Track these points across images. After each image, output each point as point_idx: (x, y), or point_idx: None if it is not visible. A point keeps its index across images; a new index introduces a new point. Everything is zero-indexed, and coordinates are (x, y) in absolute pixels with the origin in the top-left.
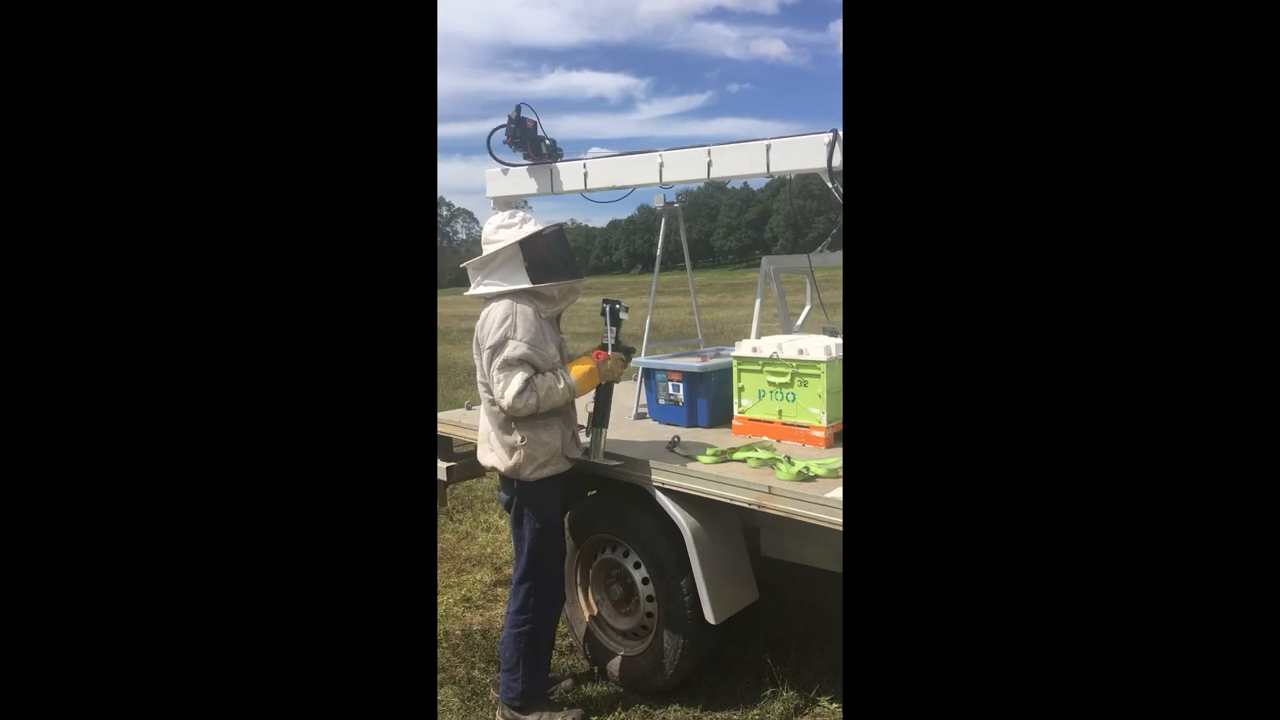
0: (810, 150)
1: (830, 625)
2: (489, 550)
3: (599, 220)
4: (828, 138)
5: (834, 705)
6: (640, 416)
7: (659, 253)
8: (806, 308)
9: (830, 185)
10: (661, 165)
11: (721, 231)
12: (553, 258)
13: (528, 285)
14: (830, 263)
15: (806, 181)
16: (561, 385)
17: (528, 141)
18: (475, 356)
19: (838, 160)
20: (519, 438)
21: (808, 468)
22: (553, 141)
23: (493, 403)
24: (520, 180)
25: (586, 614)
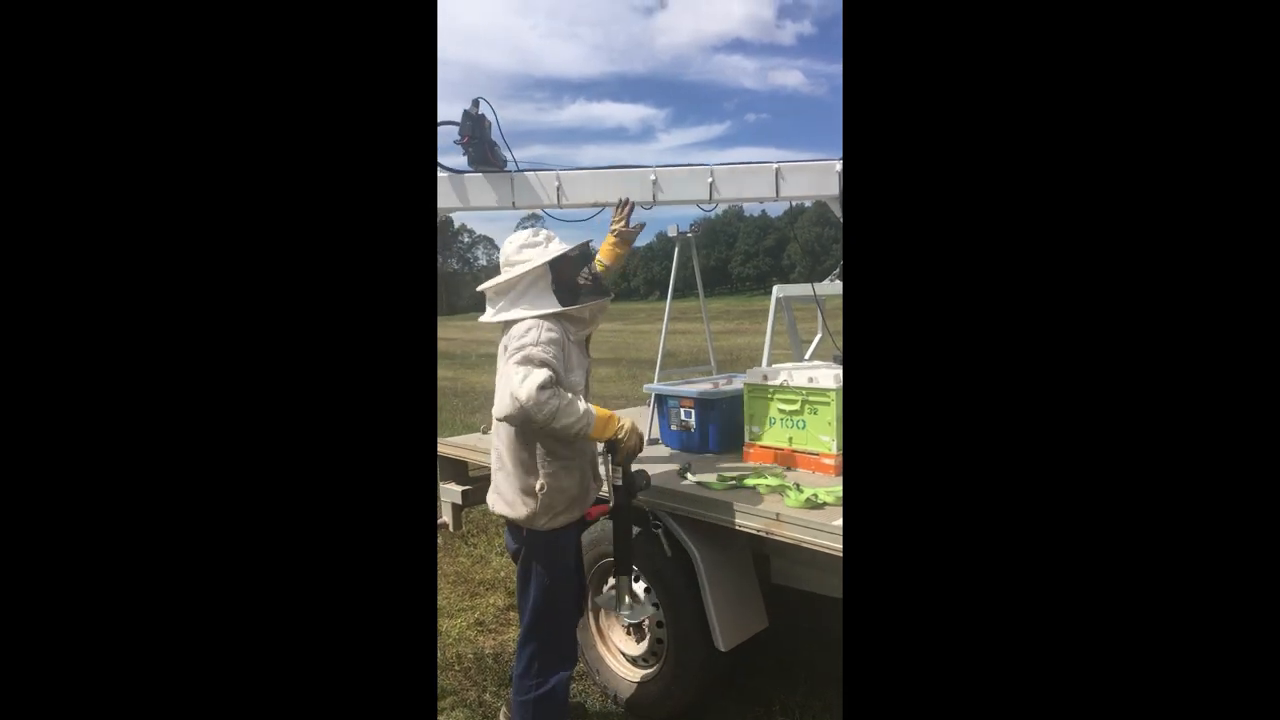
0: (819, 177)
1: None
2: (502, 574)
3: None
4: (838, 165)
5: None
6: (653, 442)
7: (672, 280)
8: (818, 335)
9: (838, 215)
10: (655, 182)
11: (739, 259)
12: (581, 278)
13: (558, 309)
14: (834, 292)
15: (824, 209)
16: (583, 408)
17: (484, 145)
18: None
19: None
20: (539, 484)
21: (816, 495)
22: (508, 148)
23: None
24: (476, 190)
25: (597, 639)
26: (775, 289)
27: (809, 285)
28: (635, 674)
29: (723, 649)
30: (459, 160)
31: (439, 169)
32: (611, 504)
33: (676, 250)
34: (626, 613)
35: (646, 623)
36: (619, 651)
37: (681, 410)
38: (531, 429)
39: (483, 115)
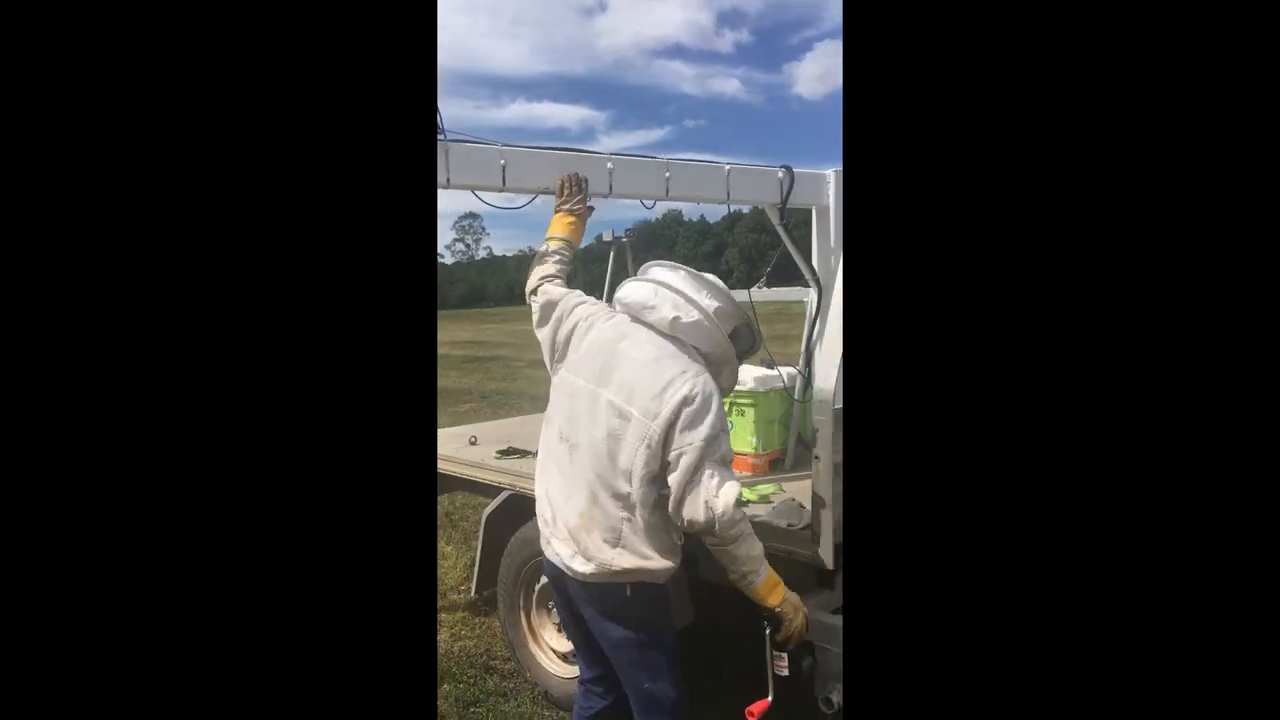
0: (765, 183)
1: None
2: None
3: None
4: (780, 173)
5: None
6: None
7: (606, 287)
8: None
9: (777, 223)
10: (611, 172)
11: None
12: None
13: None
14: (774, 298)
15: (762, 216)
16: (761, 548)
17: None
18: (611, 418)
19: (795, 198)
20: (679, 539)
21: (741, 494)
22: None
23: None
24: None
25: (528, 637)
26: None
27: (739, 293)
28: (568, 670)
29: None
30: None
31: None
32: (772, 697)
33: (611, 257)
34: None
35: None
36: (550, 650)
37: None
38: (701, 536)
39: None
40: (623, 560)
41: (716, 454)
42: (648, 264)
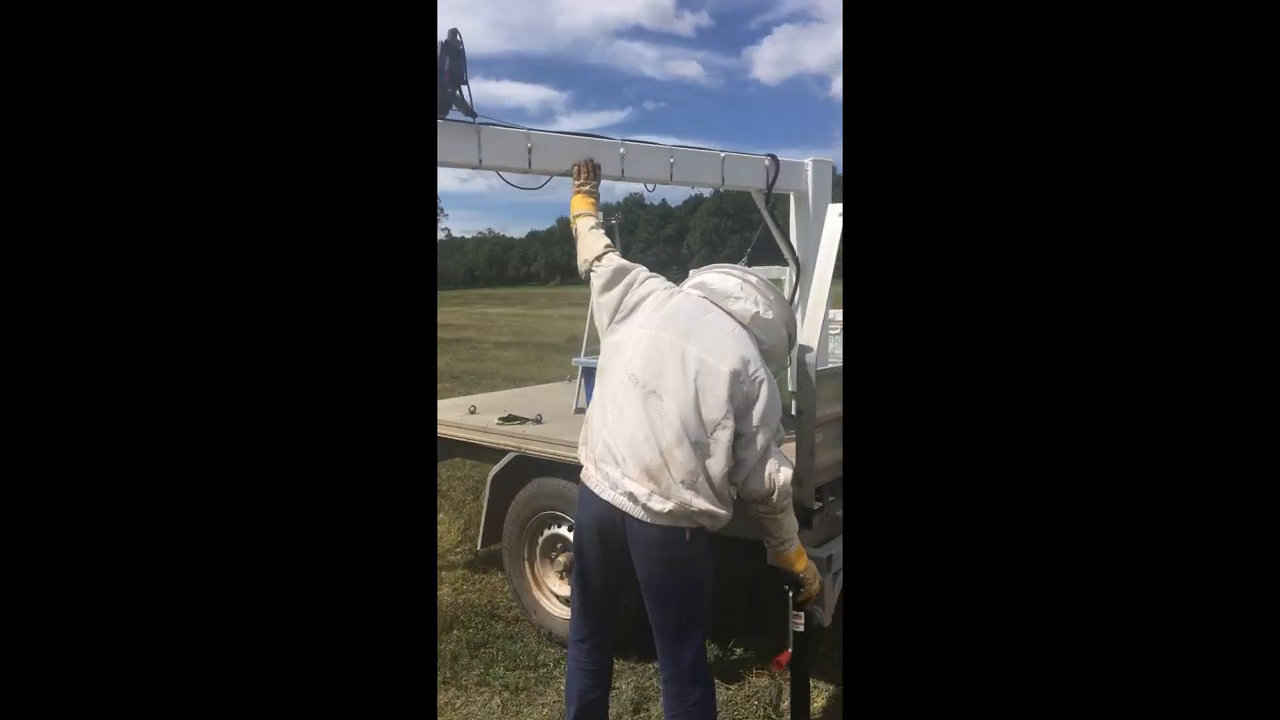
0: (754, 170)
1: (740, 586)
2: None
3: (517, 230)
4: (766, 161)
5: (743, 651)
6: (580, 411)
7: None
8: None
9: (762, 206)
10: (623, 157)
11: (640, 246)
12: None
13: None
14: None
15: (723, 201)
16: (794, 521)
17: (461, 87)
18: (700, 371)
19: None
20: (732, 493)
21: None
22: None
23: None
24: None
25: (532, 585)
26: (692, 274)
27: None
28: (568, 612)
29: None
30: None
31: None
32: (791, 649)
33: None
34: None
35: None
36: (552, 594)
37: None
38: (756, 501)
39: (462, 49)
40: (699, 503)
41: (779, 439)
42: (712, 265)
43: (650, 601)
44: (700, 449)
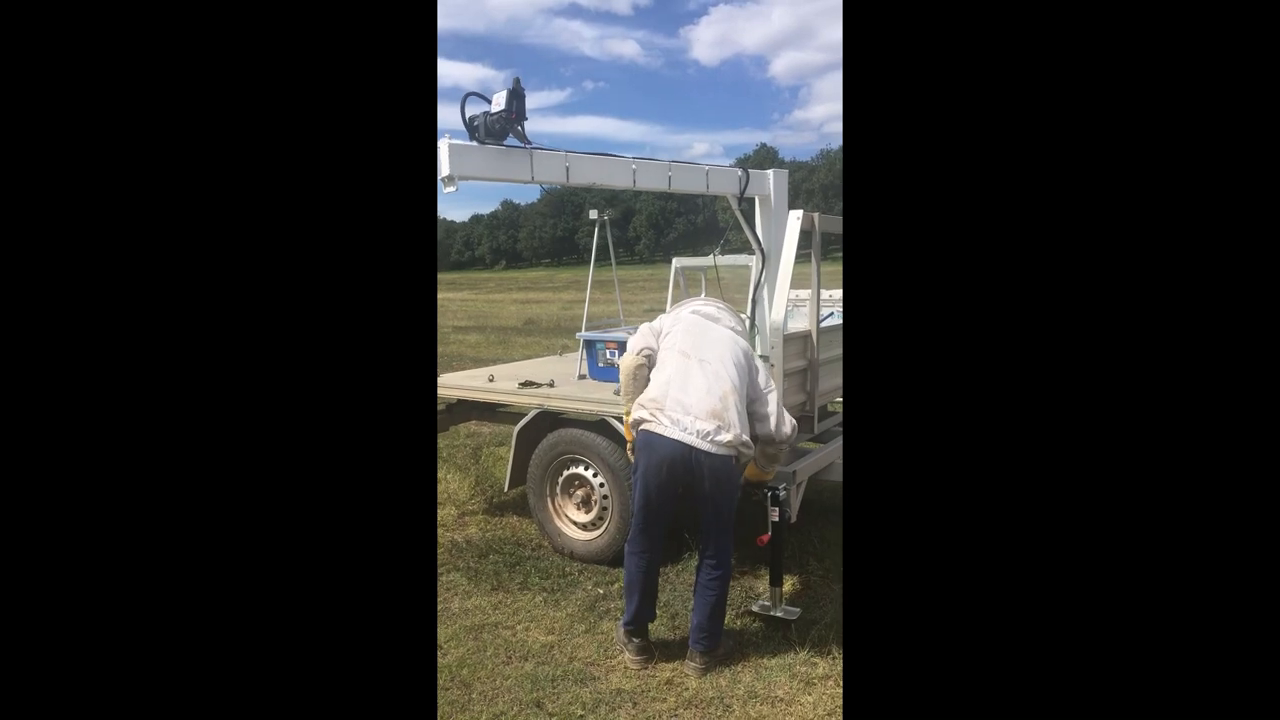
0: (730, 179)
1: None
2: (452, 488)
3: (459, 214)
4: (740, 173)
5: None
6: (582, 378)
7: (593, 255)
8: (702, 296)
9: (735, 209)
10: (635, 172)
11: (587, 229)
12: None
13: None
14: (728, 263)
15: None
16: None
17: (520, 123)
18: (730, 339)
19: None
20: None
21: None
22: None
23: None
24: (490, 162)
25: (554, 515)
26: (674, 261)
27: (704, 259)
28: (586, 535)
29: None
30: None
31: (474, 140)
32: (770, 535)
33: (596, 231)
34: (781, 612)
35: (593, 495)
36: (571, 521)
37: (607, 351)
38: (769, 443)
39: (523, 93)
40: (744, 435)
41: (776, 393)
42: (694, 299)
43: (709, 509)
44: (738, 397)
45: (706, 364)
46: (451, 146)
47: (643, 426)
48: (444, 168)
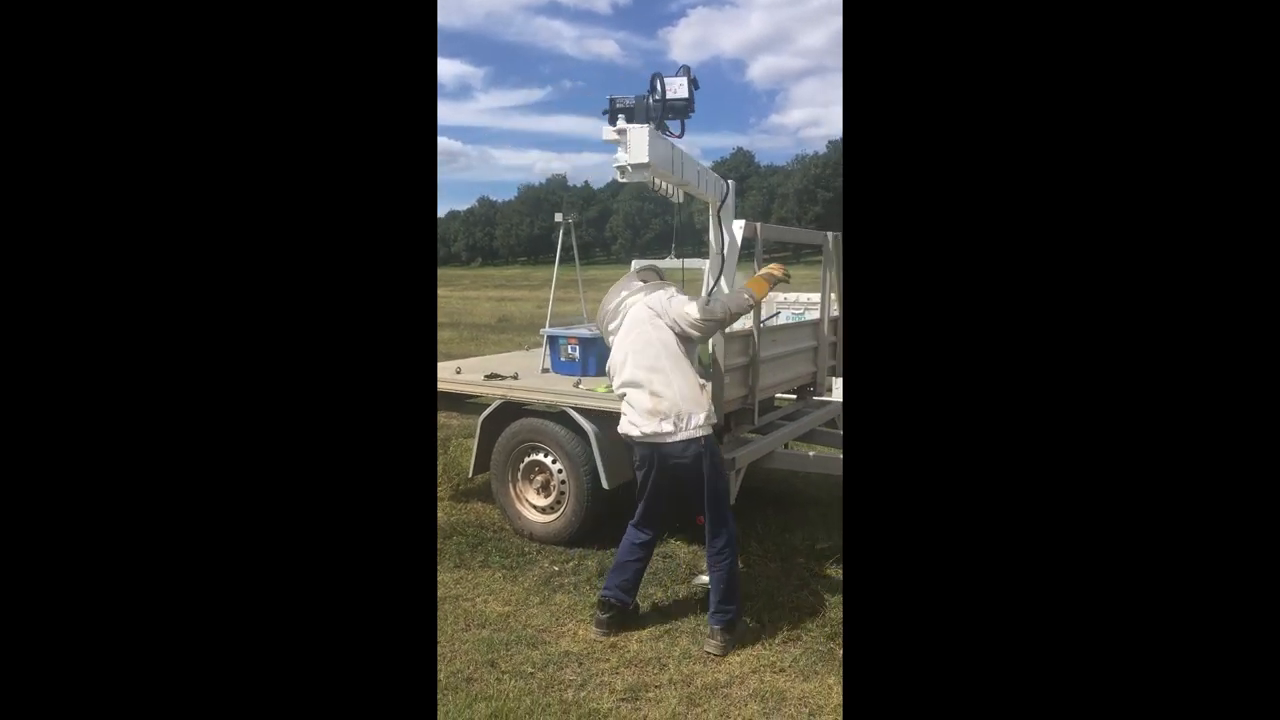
0: (719, 186)
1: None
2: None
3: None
4: (729, 183)
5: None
6: (545, 371)
7: (558, 257)
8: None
9: (713, 214)
10: (700, 174)
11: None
12: None
13: None
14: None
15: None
16: None
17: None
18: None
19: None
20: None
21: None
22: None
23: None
24: (670, 157)
25: (515, 499)
26: (634, 262)
27: (670, 261)
28: (544, 518)
29: (606, 488)
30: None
31: (664, 133)
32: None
33: (561, 234)
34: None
35: (552, 481)
36: (531, 505)
37: (569, 346)
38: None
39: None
40: (699, 415)
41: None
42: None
43: (699, 490)
44: (675, 361)
45: (640, 356)
46: (650, 133)
47: (620, 430)
48: (638, 154)
